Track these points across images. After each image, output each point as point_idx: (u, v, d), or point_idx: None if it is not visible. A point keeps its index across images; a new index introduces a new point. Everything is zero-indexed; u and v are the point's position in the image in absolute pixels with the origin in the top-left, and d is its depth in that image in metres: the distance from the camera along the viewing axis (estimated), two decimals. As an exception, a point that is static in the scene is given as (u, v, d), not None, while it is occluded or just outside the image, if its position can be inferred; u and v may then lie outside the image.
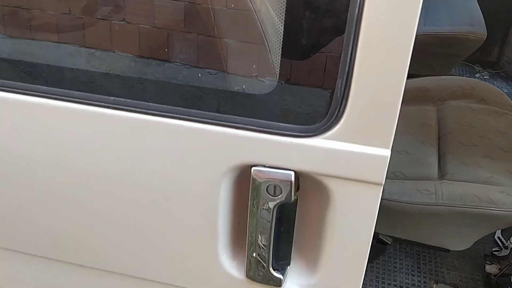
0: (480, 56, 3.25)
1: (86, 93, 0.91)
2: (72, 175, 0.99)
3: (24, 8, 1.00)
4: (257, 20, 0.82)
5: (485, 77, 3.32)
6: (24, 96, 0.94)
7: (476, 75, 3.32)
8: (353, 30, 0.75)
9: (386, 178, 0.82)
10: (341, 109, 0.80)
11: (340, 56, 0.77)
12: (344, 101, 0.80)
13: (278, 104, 0.84)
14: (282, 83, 0.83)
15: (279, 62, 0.81)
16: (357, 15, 0.74)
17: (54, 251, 1.12)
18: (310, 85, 0.83)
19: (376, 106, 0.79)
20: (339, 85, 0.79)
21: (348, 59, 0.77)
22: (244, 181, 0.90)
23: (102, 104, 0.90)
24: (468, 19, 2.56)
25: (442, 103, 2.06)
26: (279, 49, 0.81)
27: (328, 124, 0.82)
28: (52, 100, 0.92)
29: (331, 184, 0.85)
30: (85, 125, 0.93)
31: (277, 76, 0.82)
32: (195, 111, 0.87)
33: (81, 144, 0.95)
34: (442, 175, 1.71)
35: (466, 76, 3.30)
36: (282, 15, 0.79)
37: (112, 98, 0.90)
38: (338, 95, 0.79)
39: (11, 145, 0.99)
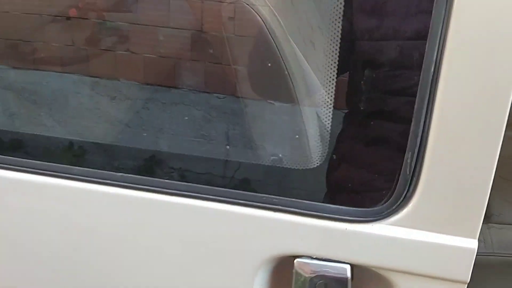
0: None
1: (105, 172, 0.73)
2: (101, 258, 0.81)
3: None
4: (306, 85, 0.65)
5: None
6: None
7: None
8: (428, 92, 0.58)
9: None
10: (411, 189, 0.63)
11: (411, 124, 0.60)
12: (415, 178, 0.62)
13: (328, 181, 0.67)
14: (333, 156, 0.65)
15: (330, 128, 0.64)
16: (433, 73, 0.57)
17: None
18: (370, 158, 0.66)
19: (458, 186, 0.61)
20: (409, 160, 0.61)
21: (421, 128, 0.60)
22: (284, 272, 0.72)
23: (121, 184, 0.72)
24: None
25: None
26: (330, 113, 0.64)
27: (394, 206, 0.64)
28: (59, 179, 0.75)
29: (398, 280, 0.67)
30: (110, 207, 0.75)
31: (328, 147, 0.65)
32: (224, 190, 0.69)
33: (109, 229, 0.77)
34: (486, 216, 1.53)
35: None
36: (335, 71, 0.62)
37: (129, 175, 0.72)
38: (408, 171, 0.62)
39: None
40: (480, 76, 0.56)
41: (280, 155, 0.69)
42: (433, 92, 0.58)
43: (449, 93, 0.57)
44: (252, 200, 0.68)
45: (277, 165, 0.69)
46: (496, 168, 1.83)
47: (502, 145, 2.01)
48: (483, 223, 1.58)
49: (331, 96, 0.64)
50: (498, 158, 1.90)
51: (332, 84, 0.63)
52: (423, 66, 0.57)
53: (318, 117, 0.64)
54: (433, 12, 0.54)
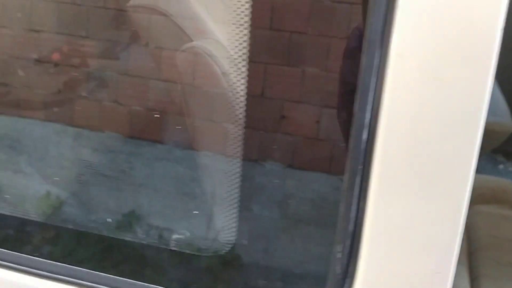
0: (502, 146, 2.95)
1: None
2: None
3: None
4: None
5: (509, 168, 3.02)
6: None
7: (500, 166, 3.01)
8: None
9: None
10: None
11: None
12: (348, 280, 0.47)
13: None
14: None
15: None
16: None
17: None
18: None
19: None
20: (340, 254, 0.47)
21: (354, 213, 0.45)
22: None
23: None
24: (491, 108, 2.29)
25: (470, 208, 1.75)
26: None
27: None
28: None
29: None
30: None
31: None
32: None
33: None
34: None
35: (489, 168, 3.00)
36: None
37: None
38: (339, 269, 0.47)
39: None
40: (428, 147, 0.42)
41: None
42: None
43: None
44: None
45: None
46: (489, 252, 1.64)
47: (493, 225, 1.81)
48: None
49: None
50: (491, 240, 1.71)
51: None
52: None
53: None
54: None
